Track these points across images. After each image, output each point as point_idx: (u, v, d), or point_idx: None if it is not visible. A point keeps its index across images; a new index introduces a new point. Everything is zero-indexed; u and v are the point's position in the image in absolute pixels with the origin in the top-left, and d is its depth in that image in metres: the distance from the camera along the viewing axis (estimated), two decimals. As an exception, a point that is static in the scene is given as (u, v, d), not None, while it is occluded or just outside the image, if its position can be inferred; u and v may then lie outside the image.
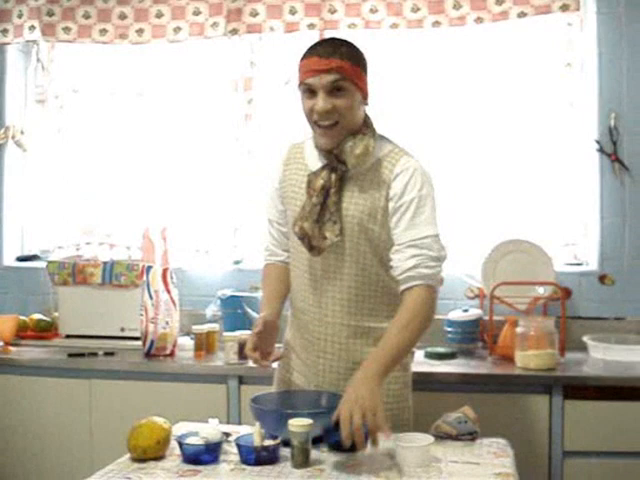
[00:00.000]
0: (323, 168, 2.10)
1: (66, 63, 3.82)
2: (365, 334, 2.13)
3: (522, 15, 3.23)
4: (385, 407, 1.89)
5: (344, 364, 2.14)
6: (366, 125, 2.11)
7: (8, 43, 3.74)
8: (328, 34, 3.39)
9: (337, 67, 1.98)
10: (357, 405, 1.77)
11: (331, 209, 2.06)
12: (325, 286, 2.12)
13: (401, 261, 2.03)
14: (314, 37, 3.39)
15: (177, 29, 3.55)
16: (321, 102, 2.00)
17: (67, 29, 3.68)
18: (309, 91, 2.02)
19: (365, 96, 2.09)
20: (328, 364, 2.15)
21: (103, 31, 3.64)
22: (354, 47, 2.07)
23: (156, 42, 3.59)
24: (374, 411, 1.77)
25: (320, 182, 2.07)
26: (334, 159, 2.07)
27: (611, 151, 3.24)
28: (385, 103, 3.27)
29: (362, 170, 2.09)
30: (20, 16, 3.68)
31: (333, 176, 2.07)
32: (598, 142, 3.26)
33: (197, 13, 3.52)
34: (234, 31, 3.48)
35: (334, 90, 2.00)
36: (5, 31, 3.71)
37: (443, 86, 3.42)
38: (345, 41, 2.07)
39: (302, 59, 2.05)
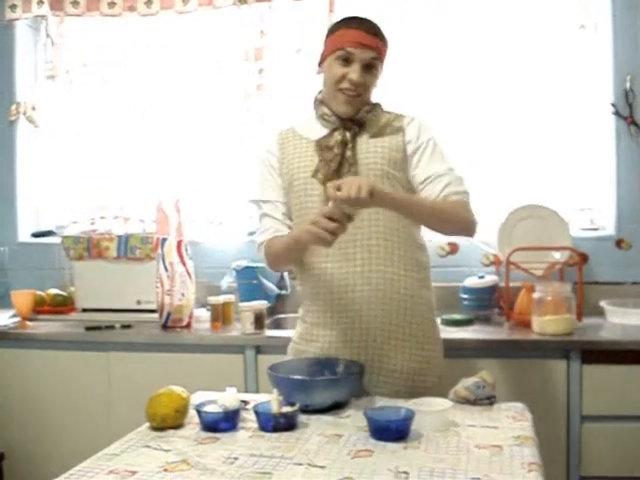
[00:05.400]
0: (333, 130, 2.17)
1: (75, 37, 3.79)
2: (395, 281, 2.12)
3: (535, -23, 3.19)
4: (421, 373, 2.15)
5: (374, 312, 2.12)
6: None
7: (17, 19, 3.73)
8: (338, 2, 3.37)
9: (377, 47, 2.12)
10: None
11: (350, 161, 2.12)
12: (352, 236, 2.08)
13: (432, 189, 2.11)
14: (324, 4, 3.37)
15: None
16: (357, 74, 2.10)
17: (75, 3, 3.66)
18: (344, 59, 2.11)
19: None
20: (357, 316, 2.12)
21: (111, 4, 3.62)
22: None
23: (165, 13, 3.57)
24: (359, 184, 1.84)
25: (338, 138, 2.14)
26: (351, 124, 2.15)
27: (627, 114, 3.21)
28: (399, 68, 3.25)
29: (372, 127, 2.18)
30: (28, -9, 3.66)
31: (348, 134, 2.15)
32: (614, 105, 3.22)
33: (206, -17, 3.49)
34: (243, 0, 3.45)
35: (367, 66, 2.12)
36: (13, 7, 3.69)
37: (457, 51, 3.38)
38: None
39: (343, 28, 2.14)
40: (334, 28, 2.18)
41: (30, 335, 3.17)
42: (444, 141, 2.21)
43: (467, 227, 2.14)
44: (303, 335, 2.25)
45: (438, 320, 2.80)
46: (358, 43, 2.09)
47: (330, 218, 1.85)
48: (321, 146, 2.16)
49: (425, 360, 2.17)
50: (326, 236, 1.86)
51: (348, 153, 2.13)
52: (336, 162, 2.12)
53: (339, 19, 2.20)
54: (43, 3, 3.65)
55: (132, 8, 3.59)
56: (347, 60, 2.11)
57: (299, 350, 2.24)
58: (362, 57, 2.10)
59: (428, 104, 3.31)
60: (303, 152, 2.20)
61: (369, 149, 2.15)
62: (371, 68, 2.12)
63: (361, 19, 2.16)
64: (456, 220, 2.10)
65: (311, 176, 2.14)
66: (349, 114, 2.15)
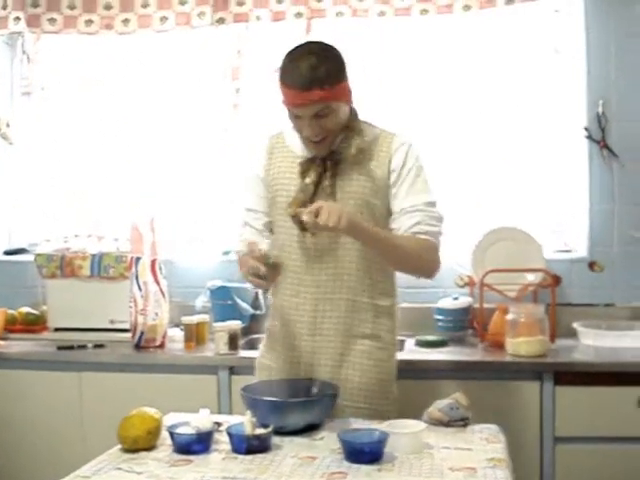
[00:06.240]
0: (315, 157, 2.14)
1: (52, 54, 3.77)
2: (363, 309, 2.16)
3: (510, 2, 3.21)
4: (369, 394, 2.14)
5: (341, 338, 2.15)
6: (352, 117, 2.16)
7: (-7, 35, 3.71)
8: (315, 23, 3.38)
9: (319, 99, 2.00)
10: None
11: (327, 191, 2.10)
12: (325, 263, 2.13)
13: (403, 222, 2.10)
14: (301, 25, 3.38)
15: (163, 19, 3.52)
16: (308, 129, 2.06)
17: (52, 20, 3.64)
18: (294, 115, 2.07)
19: (349, 100, 2.13)
20: (325, 340, 2.16)
21: (89, 22, 3.60)
22: (331, 57, 2.05)
23: (142, 32, 3.56)
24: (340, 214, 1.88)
25: (317, 169, 2.12)
26: (330, 154, 2.13)
27: (600, 138, 3.24)
28: (374, 91, 3.28)
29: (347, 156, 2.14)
30: (5, 7, 3.62)
31: (328, 163, 2.12)
32: (587, 129, 3.26)
33: (183, 3, 3.48)
34: (221, 20, 3.45)
35: (317, 115, 2.03)
36: (-11, 23, 3.67)
37: (432, 74, 3.41)
38: (320, 54, 2.03)
39: (282, 83, 2.05)
40: (279, 76, 2.07)
41: (1, 354, 3.12)
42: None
43: (428, 270, 2.16)
44: (271, 350, 2.27)
45: (411, 341, 2.81)
46: (296, 104, 2.02)
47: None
48: (302, 169, 2.14)
49: (383, 379, 2.19)
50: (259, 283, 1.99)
51: (326, 182, 2.11)
52: (308, 192, 2.10)
53: (284, 59, 2.07)
54: (20, 19, 3.62)
55: (109, 26, 3.57)
56: (296, 116, 2.07)
57: (265, 365, 2.27)
58: (307, 113, 2.03)
59: (403, 126, 3.31)
60: (288, 168, 2.18)
61: (352, 177, 2.13)
62: (325, 114, 2.03)
63: (297, 71, 2.00)
64: (418, 261, 2.11)
65: (284, 210, 2.13)
66: (322, 154, 2.12)
